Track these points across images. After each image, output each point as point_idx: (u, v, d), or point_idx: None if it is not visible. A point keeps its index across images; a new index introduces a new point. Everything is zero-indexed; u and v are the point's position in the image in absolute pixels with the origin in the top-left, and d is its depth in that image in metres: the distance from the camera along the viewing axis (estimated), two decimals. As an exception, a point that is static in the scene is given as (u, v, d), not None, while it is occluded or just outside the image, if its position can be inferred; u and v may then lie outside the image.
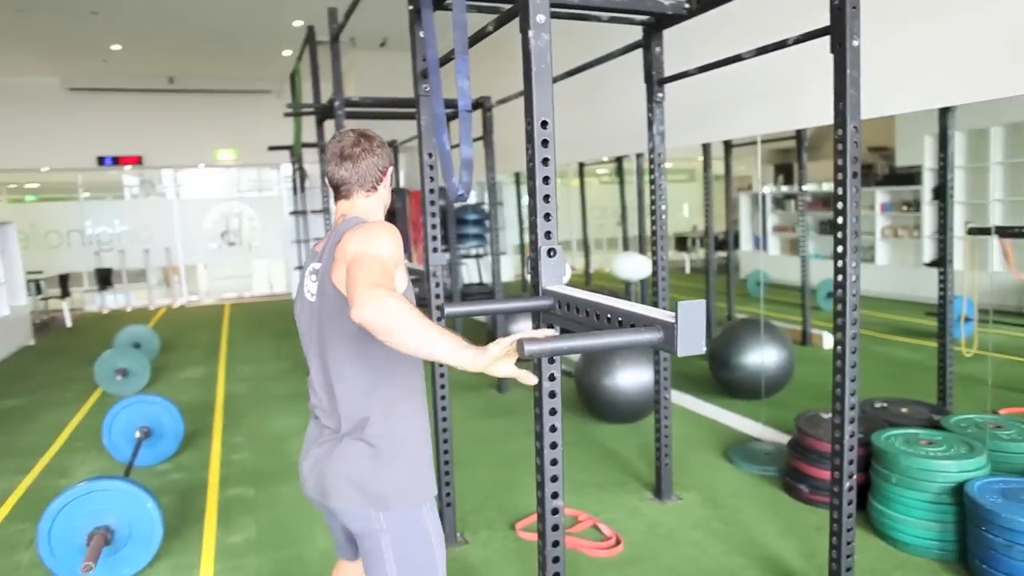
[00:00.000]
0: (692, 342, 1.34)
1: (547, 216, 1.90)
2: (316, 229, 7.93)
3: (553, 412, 1.92)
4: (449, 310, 1.86)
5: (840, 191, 2.30)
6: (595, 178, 12.52)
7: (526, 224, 10.52)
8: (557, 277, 1.89)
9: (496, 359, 1.34)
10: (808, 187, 10.33)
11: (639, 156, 6.70)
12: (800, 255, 6.62)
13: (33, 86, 10.94)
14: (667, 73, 3.27)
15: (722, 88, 4.35)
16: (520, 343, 1.31)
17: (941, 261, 4.01)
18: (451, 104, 4.07)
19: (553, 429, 1.93)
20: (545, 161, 1.89)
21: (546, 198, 1.90)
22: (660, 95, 3.30)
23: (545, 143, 1.89)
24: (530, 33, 1.84)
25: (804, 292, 6.44)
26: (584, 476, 3.79)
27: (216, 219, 12.71)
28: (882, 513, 2.95)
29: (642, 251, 7.02)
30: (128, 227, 12.14)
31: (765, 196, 11.20)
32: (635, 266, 5.93)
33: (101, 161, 11.47)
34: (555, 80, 1.85)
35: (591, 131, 6.14)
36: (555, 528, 2.01)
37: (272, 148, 8.36)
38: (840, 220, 2.30)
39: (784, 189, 11.22)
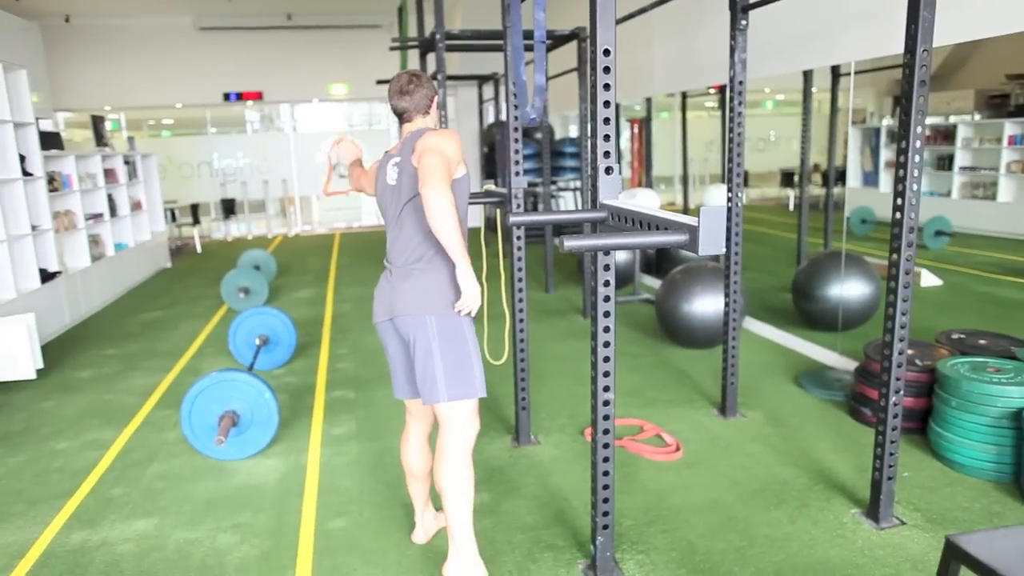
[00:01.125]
0: (713, 243, 1.53)
1: (606, 137, 2.09)
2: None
3: (607, 299, 2.16)
4: (514, 219, 2.10)
5: (904, 117, 2.33)
6: (704, 111, 12.20)
7: (626, 156, 10.45)
8: (613, 193, 2.08)
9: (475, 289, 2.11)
10: (932, 120, 9.70)
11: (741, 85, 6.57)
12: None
13: (168, 27, 11.78)
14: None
15: (821, 11, 4.25)
16: (561, 240, 1.54)
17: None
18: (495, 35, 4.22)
19: (607, 315, 2.16)
20: (606, 86, 2.06)
21: (606, 121, 2.08)
22: (744, 22, 3.32)
23: (607, 70, 2.06)
24: (594, -35, 1.99)
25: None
26: (655, 394, 4.01)
27: (329, 152, 13.38)
28: (940, 435, 3.02)
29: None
30: (249, 160, 13.04)
31: (879, 129, 10.60)
32: (718, 198, 5.94)
33: (226, 97, 12.28)
34: (648, 8, 1.99)
35: (694, 59, 6.07)
36: (606, 418, 2.26)
37: (379, 82, 8.70)
38: (903, 147, 2.34)
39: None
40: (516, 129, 3.18)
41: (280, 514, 2.86)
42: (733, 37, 3.31)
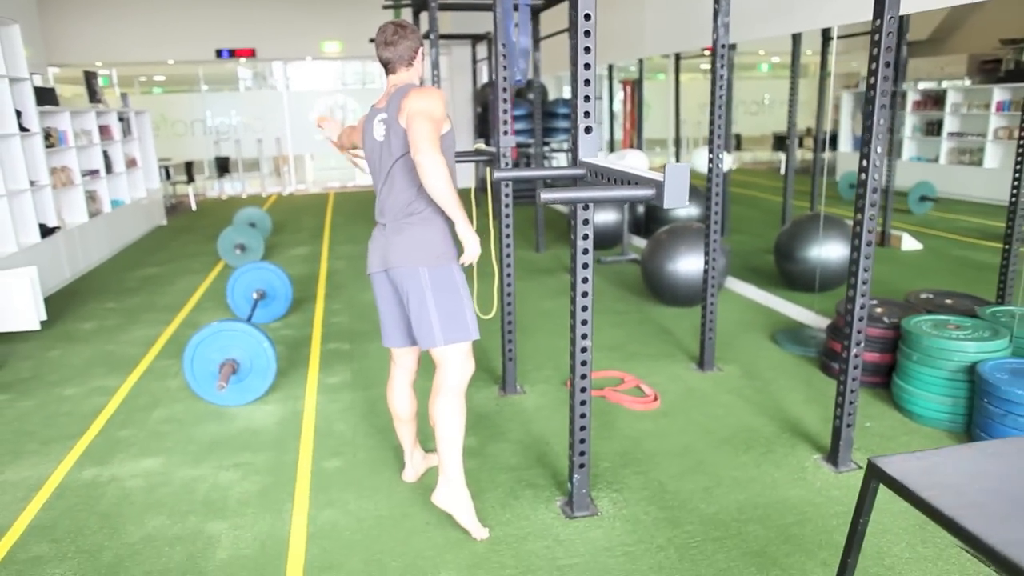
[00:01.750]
0: (677, 197, 1.67)
1: (586, 98, 2.21)
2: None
3: (585, 251, 2.30)
4: (497, 174, 2.23)
5: (872, 81, 2.45)
6: (699, 73, 12.18)
7: (619, 120, 10.48)
8: (592, 150, 2.21)
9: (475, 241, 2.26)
10: (925, 84, 9.74)
11: (732, 47, 6.63)
12: (885, 155, 6.48)
13: (157, -20, 11.65)
14: (734, -36, 3.35)
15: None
16: (538, 193, 1.68)
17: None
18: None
19: (585, 267, 2.31)
20: (587, 49, 2.18)
21: (586, 82, 2.20)
22: (726, -13, 3.40)
23: (587, 33, 2.17)
24: (575, -66, 2.09)
25: (887, 194, 6.37)
26: (637, 348, 4.18)
27: (322, 111, 13.38)
28: (902, 388, 3.21)
29: (727, 148, 7.07)
30: (243, 119, 13.02)
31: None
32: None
33: (219, 54, 12.20)
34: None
35: (685, 21, 6.11)
36: (583, 363, 2.42)
37: (372, 40, 8.73)
38: (868, 111, 2.47)
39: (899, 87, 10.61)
40: (505, 90, 3.28)
41: (279, 455, 3.04)
42: (717, 1, 3.40)
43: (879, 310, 3.62)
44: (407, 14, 7.30)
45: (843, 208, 7.75)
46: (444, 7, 5.49)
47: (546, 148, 10.43)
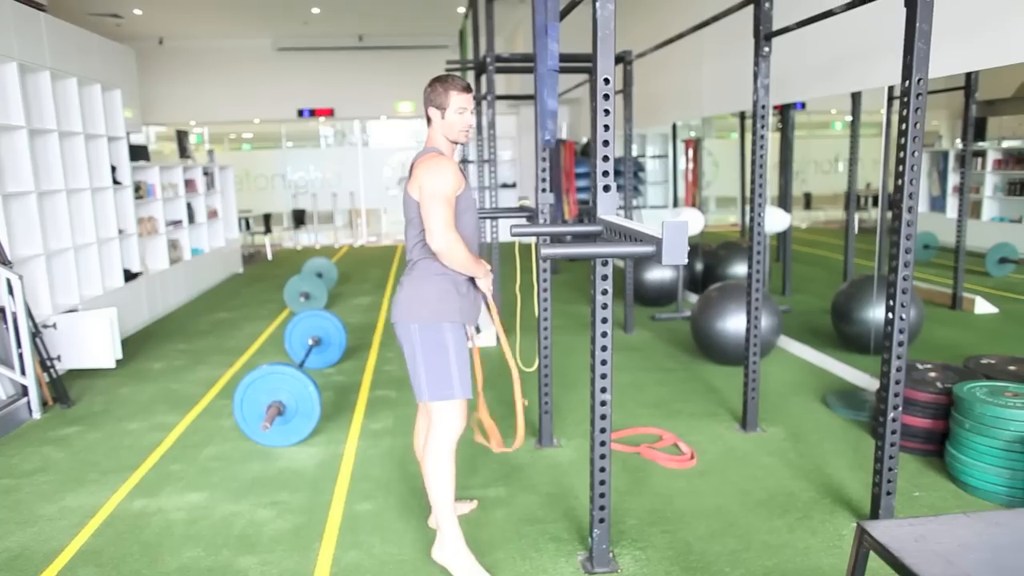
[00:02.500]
0: (675, 255, 1.70)
1: (605, 158, 2.29)
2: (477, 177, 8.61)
3: (605, 306, 2.34)
4: (516, 229, 2.32)
5: (902, 141, 2.43)
6: (774, 132, 12.11)
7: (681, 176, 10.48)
8: (611, 208, 2.27)
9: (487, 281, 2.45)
10: (1009, 143, 9.39)
11: (800, 107, 6.64)
12: (958, 214, 6.26)
13: (249, 48, 12.59)
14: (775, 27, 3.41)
15: (868, 33, 4.32)
16: (539, 248, 1.75)
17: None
18: (571, 58, 4.43)
19: (604, 321, 2.34)
20: (606, 111, 2.26)
21: (605, 143, 2.28)
22: (767, 49, 3.45)
23: (606, 96, 2.25)
24: (596, 4, 2.21)
25: (958, 254, 6.12)
26: (681, 406, 4.13)
27: (395, 167, 13.95)
28: (955, 458, 3.05)
29: (785, 206, 7.00)
30: (321, 173, 13.71)
31: (947, 153, 10.33)
32: (769, 219, 5.99)
33: (300, 113, 12.99)
34: (696, 29, 2.15)
35: (743, 80, 6.14)
36: (603, 417, 2.43)
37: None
38: (900, 171, 2.45)
39: (972, 146, 10.27)
40: (544, 148, 3.40)
41: (314, 495, 3.13)
42: (757, 63, 3.45)
43: (932, 374, 3.48)
44: (471, 76, 7.63)
45: (916, 269, 7.50)
46: (501, 70, 5.72)
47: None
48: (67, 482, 3.34)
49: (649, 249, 1.72)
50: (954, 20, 3.54)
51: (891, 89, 6.46)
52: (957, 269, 6.12)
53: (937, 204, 11.17)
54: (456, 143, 2.48)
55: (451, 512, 2.47)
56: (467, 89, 2.42)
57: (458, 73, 7.82)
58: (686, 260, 1.70)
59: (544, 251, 1.71)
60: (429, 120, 2.46)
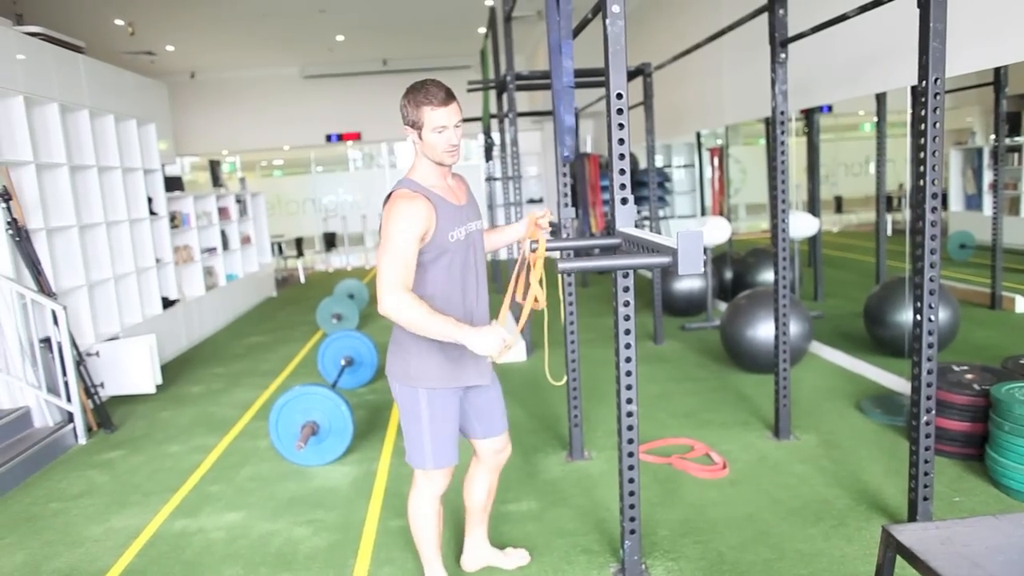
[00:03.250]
0: (691, 264, 1.72)
1: (622, 171, 2.31)
2: (503, 194, 8.69)
3: (627, 318, 2.35)
4: (533, 245, 2.35)
5: (921, 141, 2.42)
6: (798, 138, 12.03)
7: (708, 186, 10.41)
8: (628, 221, 2.30)
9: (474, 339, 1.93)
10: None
11: (826, 110, 6.61)
12: (992, 212, 6.14)
13: (277, 76, 12.92)
14: (790, 33, 3.41)
15: (878, 37, 4.30)
16: (556, 263, 1.77)
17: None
18: (591, 73, 4.49)
19: (627, 332, 2.36)
20: (620, 125, 2.29)
21: (621, 156, 2.31)
22: (783, 55, 3.45)
23: (620, 111, 2.29)
24: (607, 21, 2.25)
25: (995, 252, 6.00)
26: (711, 415, 4.10)
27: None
28: (995, 461, 2.98)
29: (813, 211, 6.93)
30: (350, 196, 13.95)
31: (982, 149, 10.12)
32: (796, 225, 5.95)
33: (328, 138, 13.26)
34: (713, 39, 2.11)
35: (762, 88, 6.13)
36: (629, 428, 2.44)
37: (464, 120, 9.25)
38: (920, 171, 2.43)
39: (1007, 142, 10.05)
40: (564, 164, 3.44)
41: (349, 513, 3.18)
42: (774, 70, 3.45)
43: (969, 376, 3.41)
44: (493, 95, 7.74)
45: (953, 269, 7.34)
46: (521, 87, 5.80)
47: (638, 216, 10.52)
48: (112, 504, 3.44)
49: (666, 260, 1.74)
50: (978, 15, 3.50)
51: (913, 89, 6.40)
52: (995, 267, 5.99)
53: (973, 202, 10.92)
54: (442, 165, 2.09)
55: (434, 559, 2.41)
56: (445, 101, 2.00)
57: (482, 96, 7.93)
58: (702, 269, 1.71)
59: (561, 265, 1.75)
60: (408, 139, 2.11)
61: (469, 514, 2.58)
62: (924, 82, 2.39)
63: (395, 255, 1.96)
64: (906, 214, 9.23)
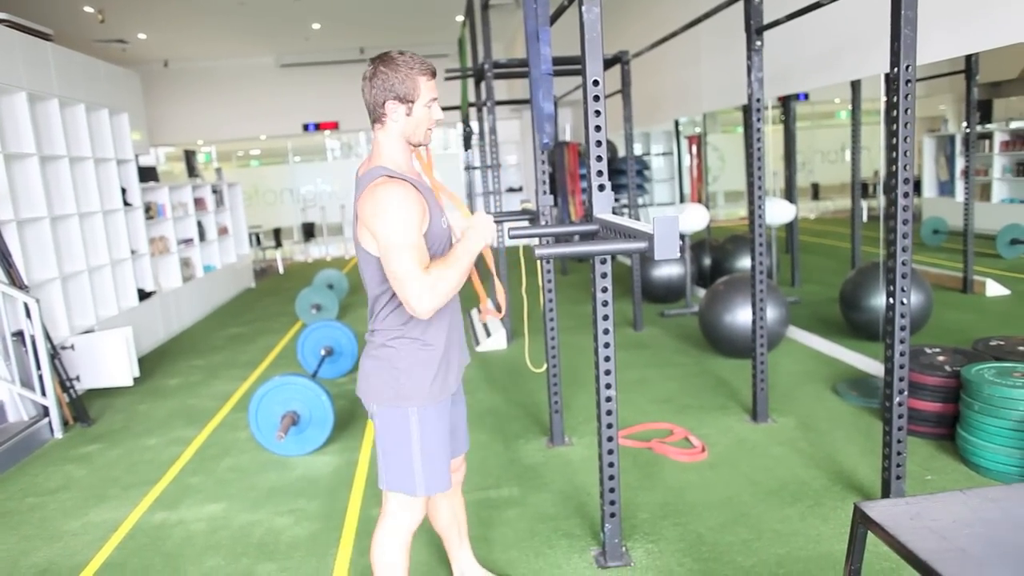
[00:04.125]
0: (667, 249, 1.73)
1: (599, 158, 2.32)
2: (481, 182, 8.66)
3: (605, 303, 2.37)
4: (514, 232, 2.35)
5: (893, 127, 2.45)
6: (775, 125, 12.12)
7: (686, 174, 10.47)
8: (606, 207, 2.31)
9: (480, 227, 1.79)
10: (1017, 124, 9.35)
11: (803, 97, 6.66)
12: (964, 198, 6.24)
13: (252, 66, 12.74)
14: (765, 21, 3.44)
15: (852, 25, 4.34)
16: (533, 249, 1.78)
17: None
18: (569, 60, 4.48)
19: (605, 318, 2.38)
20: (597, 112, 2.30)
21: (597, 143, 2.32)
22: (759, 43, 3.47)
23: (596, 98, 2.29)
24: (583, 8, 2.25)
25: (967, 237, 6.10)
26: (690, 400, 4.15)
27: (401, 177, 14.04)
28: (966, 440, 3.05)
29: (790, 198, 7.00)
30: (329, 186, 13.83)
31: (955, 136, 10.27)
32: (773, 211, 6.01)
33: (305, 128, 13.12)
34: (690, 26, 2.09)
35: (739, 76, 6.17)
36: (608, 413, 2.46)
37: (443, 108, 9.21)
38: (893, 156, 2.47)
39: (978, 129, 10.20)
40: (543, 152, 3.44)
41: (330, 502, 3.18)
42: (749, 57, 3.47)
43: (941, 358, 3.48)
44: (471, 84, 7.70)
45: (926, 254, 7.45)
46: (500, 75, 5.78)
47: (616, 204, 10.55)
48: (90, 498, 3.41)
49: (642, 245, 1.76)
50: (949, 3, 3.55)
51: (887, 76, 6.47)
52: (967, 252, 6.10)
53: (946, 189, 11.09)
54: (419, 145, 1.89)
55: None
56: (434, 71, 1.83)
57: (461, 84, 7.89)
58: (678, 254, 1.73)
59: (538, 251, 1.75)
60: (378, 119, 1.81)
61: (445, 540, 2.36)
62: (896, 69, 2.43)
63: (406, 251, 1.66)
64: (880, 200, 9.36)
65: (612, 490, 2.50)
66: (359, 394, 1.95)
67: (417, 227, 1.71)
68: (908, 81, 2.41)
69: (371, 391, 1.91)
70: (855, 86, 6.02)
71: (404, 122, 1.80)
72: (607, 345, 2.41)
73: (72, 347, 4.92)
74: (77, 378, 4.84)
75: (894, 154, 2.46)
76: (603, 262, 2.37)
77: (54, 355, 4.45)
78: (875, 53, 4.33)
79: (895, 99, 2.43)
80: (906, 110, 2.42)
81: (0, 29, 4.85)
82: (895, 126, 2.45)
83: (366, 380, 1.92)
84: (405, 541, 1.99)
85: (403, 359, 1.86)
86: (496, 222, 2.40)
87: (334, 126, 13.09)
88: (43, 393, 4.30)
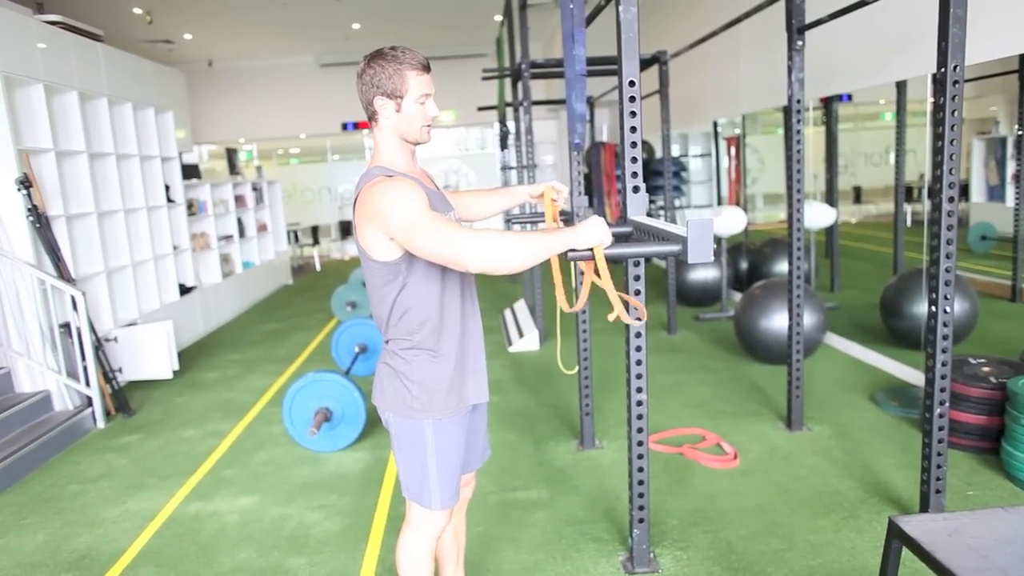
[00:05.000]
0: (701, 253, 1.70)
1: (634, 159, 2.30)
2: (519, 183, 8.67)
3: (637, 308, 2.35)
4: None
5: (939, 129, 2.38)
6: (817, 127, 11.90)
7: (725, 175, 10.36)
8: (640, 209, 2.29)
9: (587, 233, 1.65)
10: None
11: (846, 98, 6.53)
12: (1015, 203, 6.04)
13: (293, 65, 12.93)
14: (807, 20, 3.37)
15: (899, 24, 4.23)
16: (566, 251, 1.76)
17: None
18: (606, 61, 4.45)
19: (638, 319, 2.35)
20: (632, 113, 2.28)
21: (633, 144, 2.30)
22: (800, 43, 3.41)
23: (632, 99, 2.27)
24: (620, 7, 2.23)
25: (1016, 244, 5.90)
26: (723, 406, 4.09)
27: (438, 176, 14.12)
28: (1010, 455, 2.95)
29: (831, 201, 6.86)
30: (366, 185, 13.99)
31: (1006, 139, 9.94)
32: (814, 215, 5.90)
33: (344, 127, 13.27)
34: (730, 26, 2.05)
35: (779, 76, 6.07)
36: (639, 417, 2.44)
37: (480, 108, 9.24)
38: (938, 160, 2.40)
39: (1030, 131, 9.86)
40: (576, 152, 3.43)
41: (361, 498, 3.21)
42: (790, 57, 3.41)
43: (986, 369, 3.37)
44: (508, 83, 7.70)
45: (973, 261, 7.22)
46: (537, 75, 5.77)
47: (652, 206, 10.46)
48: (129, 487, 3.50)
49: (675, 248, 1.73)
50: (1001, 1, 3.44)
51: (933, 76, 6.29)
52: (1016, 259, 5.90)
53: (996, 193, 10.74)
54: (417, 144, 1.81)
55: None
56: (426, 66, 1.75)
57: (498, 84, 7.90)
58: (712, 258, 1.70)
59: (571, 254, 1.74)
60: (372, 117, 1.76)
61: (440, 562, 2.23)
62: (943, 69, 2.36)
63: (427, 219, 1.58)
64: (925, 205, 9.10)
65: (641, 495, 2.48)
66: (374, 401, 1.90)
67: (426, 204, 1.63)
68: (956, 82, 2.34)
69: (385, 400, 1.86)
70: (900, 87, 5.87)
71: (395, 119, 1.74)
72: (639, 348, 2.39)
73: (115, 339, 5.05)
74: (119, 370, 4.98)
75: (939, 157, 2.39)
76: (636, 264, 2.35)
77: (98, 347, 4.58)
78: (921, 53, 4.22)
79: (942, 100, 2.36)
80: (953, 112, 2.35)
81: (54, 30, 5.00)
82: (941, 128, 2.38)
83: (380, 387, 1.87)
84: (429, 547, 1.96)
85: (415, 371, 1.81)
86: (530, 222, 2.38)
87: (372, 125, 13.22)
88: (87, 384, 4.43)
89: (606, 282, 1.76)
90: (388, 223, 1.63)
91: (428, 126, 1.78)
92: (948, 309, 2.47)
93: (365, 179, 1.74)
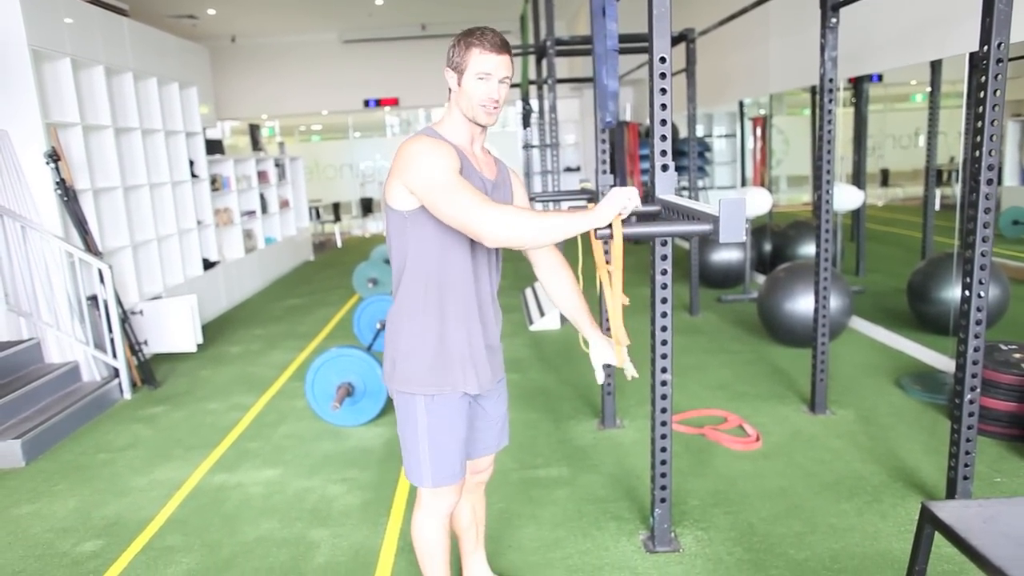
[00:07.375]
0: (733, 232, 1.68)
1: (663, 137, 2.27)
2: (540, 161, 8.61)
3: (664, 286, 2.34)
4: (567, 207, 2.32)
5: (980, 110, 2.32)
6: (850, 107, 11.68)
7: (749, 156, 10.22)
8: (668, 188, 2.26)
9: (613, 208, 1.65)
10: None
11: (876, 79, 6.39)
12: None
13: (316, 42, 12.89)
14: (843, -4, 3.28)
15: (935, 1, 4.12)
16: (595, 229, 1.74)
17: None
18: (632, 38, 4.38)
19: (664, 301, 2.34)
20: (663, 91, 2.24)
21: (662, 122, 2.26)
22: (834, 20, 3.33)
23: (663, 75, 2.23)
24: (651, -19, 2.18)
25: (1050, 229, 5.76)
26: (746, 388, 4.06)
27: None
28: (1040, 442, 2.91)
29: (858, 184, 6.74)
30: (387, 162, 13.97)
31: (1041, 122, 9.67)
32: (840, 197, 5.80)
33: (366, 104, 13.24)
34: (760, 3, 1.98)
35: (810, 55, 5.95)
36: (663, 397, 2.43)
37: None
38: (977, 141, 2.33)
39: (1068, 113, 9.59)
40: (603, 131, 3.39)
41: (382, 472, 3.24)
42: (823, 35, 3.33)
43: (1017, 355, 3.31)
44: (532, 61, 7.63)
45: (1005, 246, 7.08)
46: (561, 53, 5.70)
47: (676, 186, 10.34)
48: (155, 457, 3.56)
49: (706, 227, 1.71)
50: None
51: (972, 56, 6.12)
52: (1049, 245, 5.77)
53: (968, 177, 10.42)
54: (477, 123, 1.78)
55: None
56: (498, 48, 1.71)
57: (522, 61, 7.81)
58: (744, 238, 1.68)
59: (600, 232, 1.72)
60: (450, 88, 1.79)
61: (460, 541, 2.26)
62: (986, 46, 2.29)
63: (452, 186, 1.60)
64: (956, 188, 8.93)
65: (664, 475, 2.48)
66: (383, 377, 1.93)
67: (456, 171, 1.65)
68: (999, 60, 2.27)
69: (388, 373, 1.87)
70: (935, 67, 5.72)
71: (457, 92, 1.76)
72: (664, 328, 2.37)
73: (141, 312, 5.12)
74: (145, 342, 5.04)
75: (979, 138, 2.33)
76: (663, 244, 2.33)
77: (124, 319, 4.64)
78: (961, 30, 4.10)
79: (983, 79, 2.30)
80: (995, 91, 2.29)
81: (80, 4, 5.02)
82: (982, 108, 2.31)
83: (386, 358, 1.88)
84: (442, 523, 1.96)
85: (403, 340, 1.80)
86: (553, 201, 2.34)
87: (394, 102, 13.18)
88: (114, 355, 4.49)
89: (616, 291, 1.89)
90: (413, 178, 1.66)
91: (487, 107, 1.75)
92: (982, 294, 2.42)
93: (410, 136, 1.77)
